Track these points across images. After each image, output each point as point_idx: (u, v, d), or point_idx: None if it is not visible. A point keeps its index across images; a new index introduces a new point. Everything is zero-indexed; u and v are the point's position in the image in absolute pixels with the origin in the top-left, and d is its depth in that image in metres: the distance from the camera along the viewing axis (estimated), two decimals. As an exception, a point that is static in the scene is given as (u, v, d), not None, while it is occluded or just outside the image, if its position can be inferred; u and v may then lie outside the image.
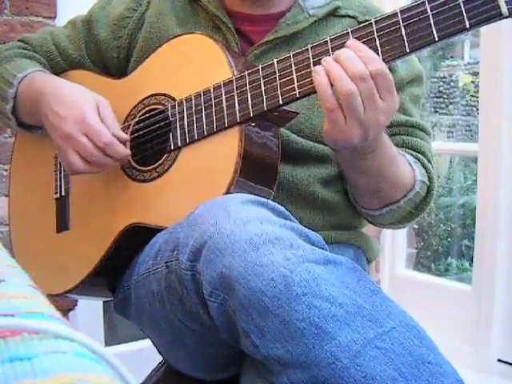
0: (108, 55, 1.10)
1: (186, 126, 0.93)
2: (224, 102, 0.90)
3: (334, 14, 1.03)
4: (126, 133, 1.00)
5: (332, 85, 0.78)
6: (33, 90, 1.03)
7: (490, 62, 1.80)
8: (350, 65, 0.77)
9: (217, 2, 1.03)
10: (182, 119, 0.94)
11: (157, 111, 0.98)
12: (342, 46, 0.81)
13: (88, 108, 0.95)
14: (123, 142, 0.96)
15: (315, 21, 1.02)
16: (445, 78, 3.93)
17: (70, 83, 1.04)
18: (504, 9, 0.71)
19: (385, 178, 0.91)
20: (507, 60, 1.72)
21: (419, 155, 1.01)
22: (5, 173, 1.58)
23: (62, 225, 1.08)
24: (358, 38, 0.80)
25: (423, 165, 1.00)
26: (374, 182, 0.93)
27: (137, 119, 1.01)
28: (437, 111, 3.84)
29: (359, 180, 0.94)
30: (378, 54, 0.78)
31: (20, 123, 1.10)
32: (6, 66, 1.08)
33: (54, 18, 1.62)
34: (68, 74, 1.11)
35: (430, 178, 0.99)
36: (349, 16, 1.03)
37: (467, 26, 0.74)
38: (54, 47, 1.13)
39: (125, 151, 0.95)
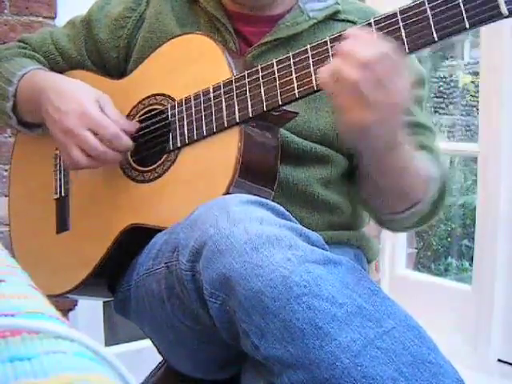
0: (107, 55, 1.10)
1: (186, 127, 0.93)
2: (223, 102, 0.90)
3: (333, 17, 1.03)
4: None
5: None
6: (33, 87, 1.03)
7: (490, 62, 1.80)
8: (349, 54, 0.75)
9: (216, 3, 1.03)
10: (181, 120, 0.94)
11: (156, 111, 0.98)
12: None
13: (89, 102, 0.95)
14: (130, 132, 0.97)
15: (315, 23, 1.01)
16: (445, 78, 3.93)
17: (70, 79, 1.04)
18: (504, 9, 0.71)
19: (410, 175, 0.89)
20: (507, 60, 1.72)
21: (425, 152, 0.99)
22: (5, 173, 1.58)
23: (62, 225, 1.08)
24: None
25: (431, 161, 0.98)
26: (401, 181, 0.90)
27: (136, 119, 1.01)
28: (437, 111, 3.83)
29: (386, 181, 0.91)
30: None
31: (20, 121, 1.10)
32: (6, 64, 1.08)
33: (54, 18, 1.62)
34: (68, 74, 1.11)
35: (441, 174, 0.97)
36: (348, 21, 1.03)
37: (467, 25, 0.74)
38: (53, 47, 1.13)
39: (129, 142, 0.96)
